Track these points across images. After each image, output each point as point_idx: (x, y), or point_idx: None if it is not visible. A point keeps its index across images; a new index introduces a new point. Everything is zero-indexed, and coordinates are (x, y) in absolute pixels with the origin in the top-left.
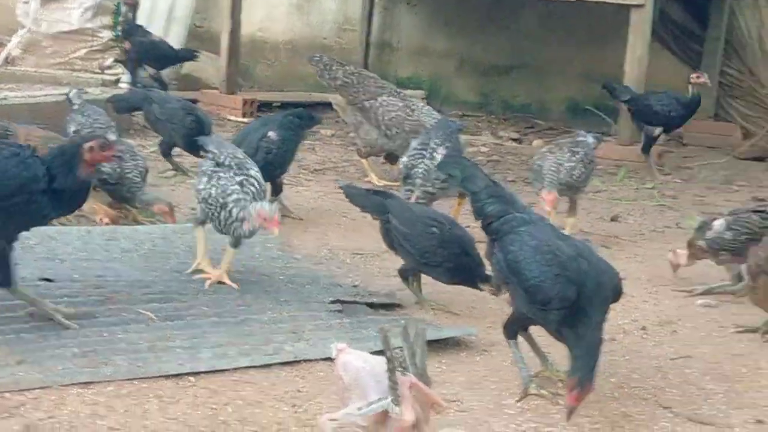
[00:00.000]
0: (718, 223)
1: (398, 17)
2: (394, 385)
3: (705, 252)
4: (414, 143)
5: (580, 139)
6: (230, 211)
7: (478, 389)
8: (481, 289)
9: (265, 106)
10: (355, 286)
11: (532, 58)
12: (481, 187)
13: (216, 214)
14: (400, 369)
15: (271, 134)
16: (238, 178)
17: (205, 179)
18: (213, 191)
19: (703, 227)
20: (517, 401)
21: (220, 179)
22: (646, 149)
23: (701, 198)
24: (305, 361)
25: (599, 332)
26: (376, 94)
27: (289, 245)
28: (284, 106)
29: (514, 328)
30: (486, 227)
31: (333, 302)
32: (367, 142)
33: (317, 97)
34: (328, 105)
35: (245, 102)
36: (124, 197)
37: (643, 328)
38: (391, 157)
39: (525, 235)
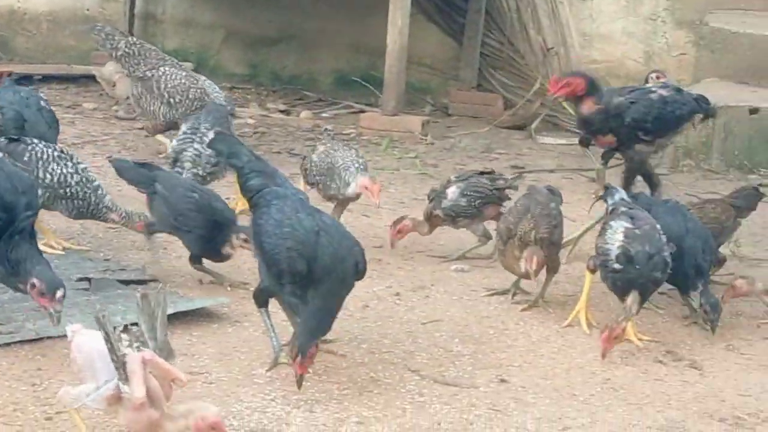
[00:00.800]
0: (452, 191)
1: None
2: (119, 364)
3: (443, 220)
4: (183, 127)
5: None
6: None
7: (227, 360)
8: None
9: (24, 79)
10: (106, 261)
11: (300, 29)
12: (244, 161)
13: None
14: (136, 344)
15: None
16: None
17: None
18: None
19: (438, 197)
20: (267, 371)
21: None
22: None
23: (462, 166)
24: (48, 338)
25: (329, 304)
26: (158, 65)
27: (40, 220)
28: (45, 78)
29: (263, 297)
30: (248, 201)
31: (80, 280)
32: (149, 113)
33: (79, 69)
34: (91, 78)
35: (1, 74)
36: None
37: (397, 294)
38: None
39: (273, 208)
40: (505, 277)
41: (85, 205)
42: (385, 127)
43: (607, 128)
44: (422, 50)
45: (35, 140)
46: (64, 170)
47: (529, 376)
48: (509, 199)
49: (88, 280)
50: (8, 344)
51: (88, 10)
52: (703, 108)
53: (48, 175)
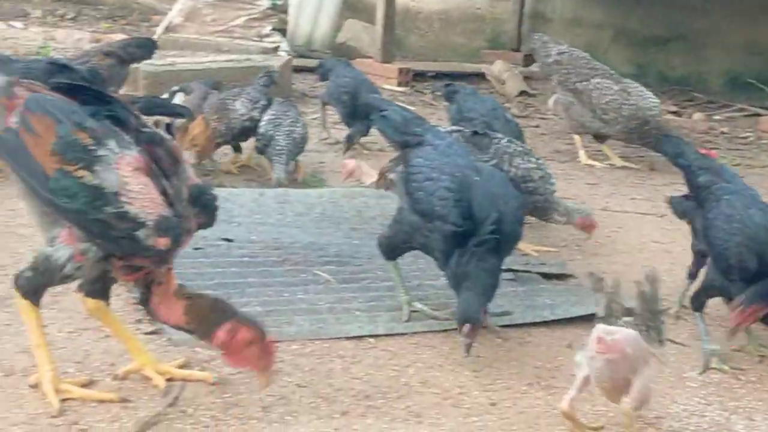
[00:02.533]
0: None
1: None
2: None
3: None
4: None
5: None
6: None
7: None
8: None
9: (419, 76)
10: (525, 255)
11: (690, 28)
12: (691, 160)
13: None
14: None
15: None
16: None
17: None
18: None
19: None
20: (699, 374)
21: None
22: None
23: None
24: (483, 327)
25: None
26: (589, 75)
27: None
28: (437, 76)
29: (702, 299)
30: (696, 197)
31: (505, 271)
32: (579, 122)
33: (469, 67)
34: (481, 75)
35: (400, 71)
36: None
37: None
38: (600, 138)
39: (724, 203)
40: None
41: (541, 201)
42: None
43: None
44: None
45: (499, 135)
46: (528, 165)
47: None
48: None
49: (514, 271)
50: (446, 330)
51: (479, 8)
52: None
53: (512, 169)
